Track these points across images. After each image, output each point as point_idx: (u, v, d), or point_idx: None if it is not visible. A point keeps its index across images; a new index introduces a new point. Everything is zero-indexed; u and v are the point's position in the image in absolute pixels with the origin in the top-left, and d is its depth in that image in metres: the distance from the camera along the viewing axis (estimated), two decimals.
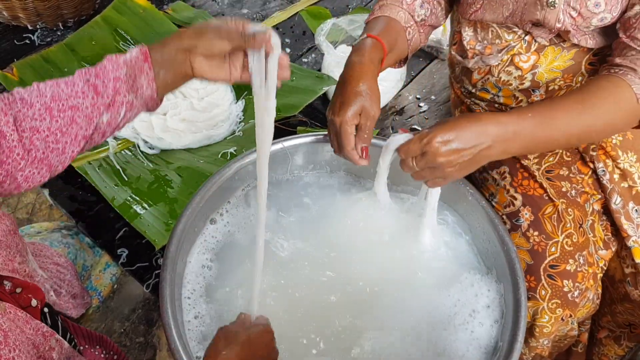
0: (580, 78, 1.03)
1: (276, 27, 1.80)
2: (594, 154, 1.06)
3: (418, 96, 1.67)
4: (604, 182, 1.05)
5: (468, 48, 1.09)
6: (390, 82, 1.59)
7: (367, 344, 0.88)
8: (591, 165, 1.07)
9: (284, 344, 0.82)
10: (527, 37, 1.02)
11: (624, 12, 0.91)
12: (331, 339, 0.89)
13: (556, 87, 1.04)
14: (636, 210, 1.03)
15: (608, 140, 1.05)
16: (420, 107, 1.64)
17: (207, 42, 0.77)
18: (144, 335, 1.16)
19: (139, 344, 1.15)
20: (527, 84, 1.05)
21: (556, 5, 0.92)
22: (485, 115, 0.84)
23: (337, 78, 1.49)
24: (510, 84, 1.06)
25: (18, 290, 0.75)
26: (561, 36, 0.99)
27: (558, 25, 0.94)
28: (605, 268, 1.07)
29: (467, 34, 1.09)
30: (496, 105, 1.14)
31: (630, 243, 1.03)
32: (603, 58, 0.98)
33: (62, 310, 0.89)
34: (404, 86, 1.69)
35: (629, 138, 1.06)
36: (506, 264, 0.92)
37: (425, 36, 1.08)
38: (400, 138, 0.87)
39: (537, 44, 1.01)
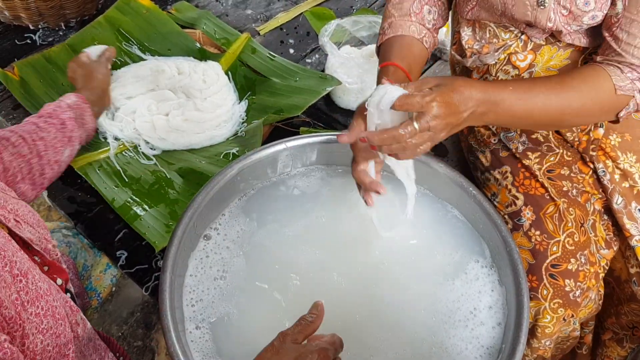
0: None
1: (280, 28, 1.79)
2: (594, 154, 1.06)
3: None
4: (605, 182, 1.05)
5: (466, 47, 1.09)
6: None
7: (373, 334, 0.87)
8: (591, 165, 1.07)
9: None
10: (523, 36, 1.02)
11: None
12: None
13: None
14: (639, 209, 1.03)
15: (607, 141, 1.05)
16: None
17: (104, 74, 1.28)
18: (142, 339, 1.14)
19: (137, 348, 1.14)
20: None
21: (546, 4, 0.91)
22: (474, 80, 0.85)
23: (340, 78, 1.49)
24: None
25: (46, 268, 0.77)
26: (556, 36, 0.99)
27: (549, 25, 0.94)
28: (607, 267, 1.06)
29: (466, 33, 1.09)
30: None
31: (633, 243, 1.03)
32: None
33: None
34: None
35: (627, 139, 1.06)
36: (509, 266, 0.91)
37: (435, 38, 1.08)
38: (393, 91, 0.77)
39: (533, 42, 1.02)
